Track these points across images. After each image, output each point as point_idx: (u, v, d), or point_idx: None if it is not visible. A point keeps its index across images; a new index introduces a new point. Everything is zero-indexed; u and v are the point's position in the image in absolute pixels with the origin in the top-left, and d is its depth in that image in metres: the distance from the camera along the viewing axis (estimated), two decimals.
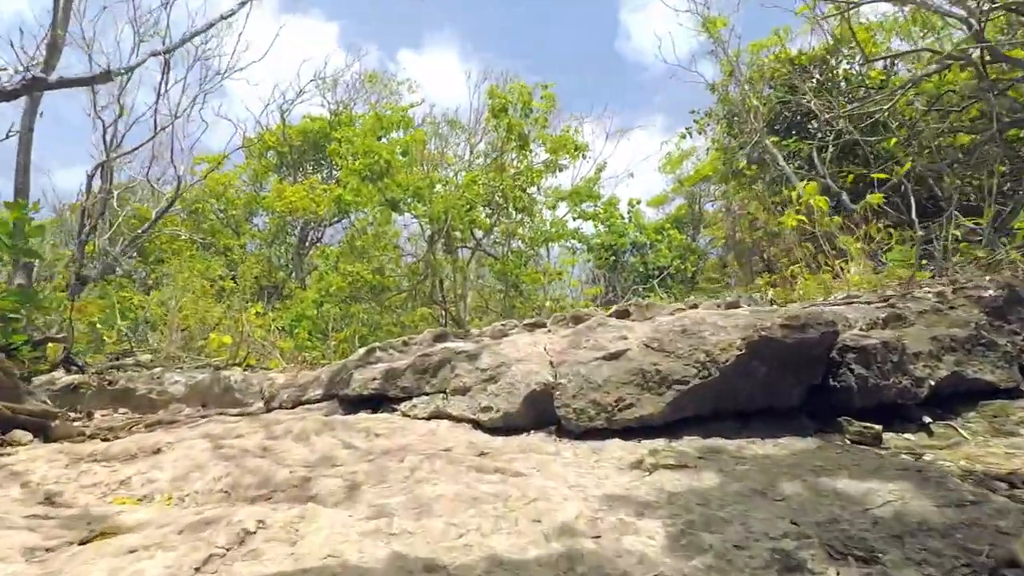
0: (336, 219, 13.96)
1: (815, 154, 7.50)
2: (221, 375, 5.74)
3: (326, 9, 41.97)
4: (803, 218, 4.86)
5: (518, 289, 11.07)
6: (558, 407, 2.47)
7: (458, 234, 11.42)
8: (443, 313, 11.11)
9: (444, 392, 3.09)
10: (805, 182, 7.65)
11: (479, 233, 11.72)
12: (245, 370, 7.28)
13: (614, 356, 2.57)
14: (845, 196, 7.03)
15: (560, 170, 11.13)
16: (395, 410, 3.24)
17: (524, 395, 2.58)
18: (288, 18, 30.29)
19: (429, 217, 8.53)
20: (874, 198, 4.64)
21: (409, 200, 8.03)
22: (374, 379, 3.48)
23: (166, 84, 7.01)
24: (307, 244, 14.37)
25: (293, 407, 4.21)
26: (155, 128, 7.47)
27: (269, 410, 4.27)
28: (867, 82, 7.52)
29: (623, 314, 3.32)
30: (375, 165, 7.33)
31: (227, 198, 13.60)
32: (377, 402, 3.43)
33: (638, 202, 17.69)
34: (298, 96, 13.54)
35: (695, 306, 3.32)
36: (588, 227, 16.84)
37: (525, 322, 3.77)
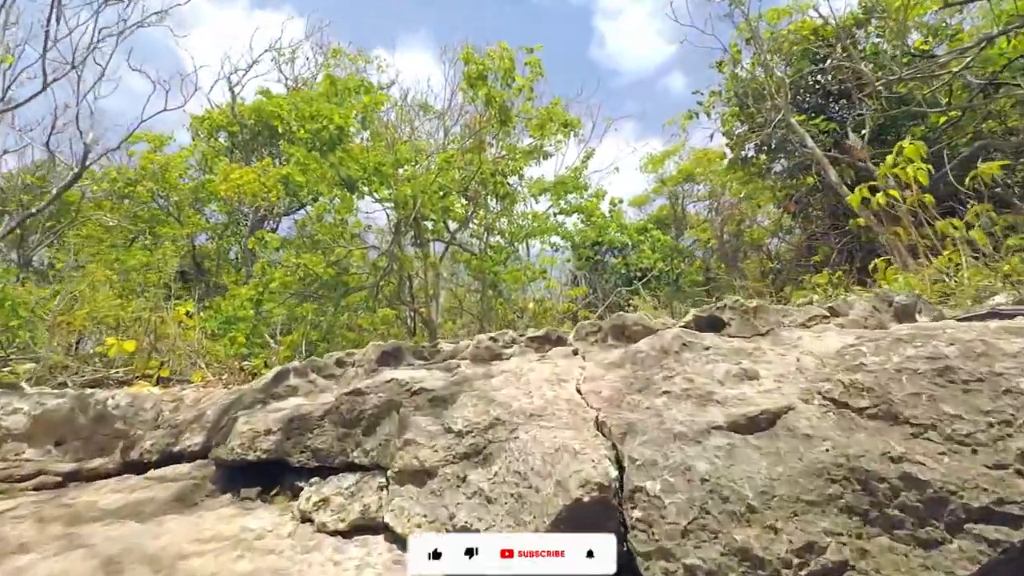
0: (296, 208, 12.28)
1: (851, 134, 6.25)
2: (93, 399, 4.10)
3: (297, 5, 40.00)
4: (894, 193, 3.53)
5: (496, 289, 9.61)
6: (646, 558, 1.03)
7: (430, 225, 9.92)
8: (411, 315, 9.60)
9: (385, 470, 1.63)
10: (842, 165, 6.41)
11: (453, 225, 10.24)
12: (157, 384, 5.65)
13: (758, 423, 1.14)
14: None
15: (545, 157, 9.73)
16: (293, 500, 1.76)
17: (555, 513, 1.14)
18: (258, 13, 28.26)
19: (394, 202, 7.01)
20: (990, 168, 3.35)
21: (370, 180, 6.52)
22: (269, 433, 1.99)
23: (57, 21, 5.37)
24: None
25: (158, 462, 2.68)
26: (45, 79, 5.81)
27: (121, 467, 2.74)
28: (912, 51, 6.34)
29: (713, 324, 1.90)
30: (324, 132, 5.81)
31: (168, 181, 11.76)
32: (273, 473, 1.94)
33: (620, 201, 16.34)
34: (250, 68, 11.80)
35: (831, 311, 1.92)
36: (572, 223, 15.58)
37: (530, 334, 2.32)
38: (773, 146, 7.92)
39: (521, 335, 2.32)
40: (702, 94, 8.59)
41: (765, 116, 7.02)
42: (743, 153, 7.77)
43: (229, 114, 11.83)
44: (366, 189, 6.71)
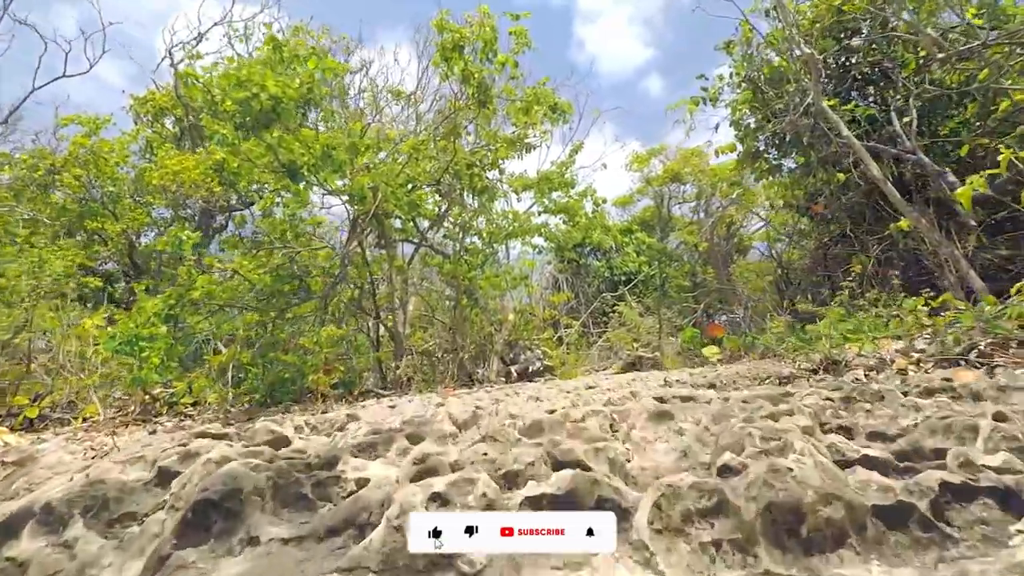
0: (250, 202, 10.82)
1: (895, 120, 5.15)
2: None
3: None
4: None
5: (472, 297, 8.34)
6: None
7: (398, 223, 8.60)
8: (374, 326, 8.27)
9: None
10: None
11: (425, 224, 8.94)
12: (20, 430, 4.25)
13: None
14: (950, 175, 4.70)
15: (528, 150, 8.49)
16: None
17: None
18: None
19: (350, 196, 5.69)
20: None
21: (318, 168, 5.18)
22: None
23: None
24: (210, 233, 11.14)
25: None
26: None
27: None
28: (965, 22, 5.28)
29: None
30: (255, 104, 4.47)
31: (102, 170, 10.18)
32: None
33: (603, 201, 15.09)
34: (197, 42, 10.27)
35: None
36: (556, 224, 14.43)
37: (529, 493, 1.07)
38: (787, 139, 6.81)
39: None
40: (706, 79, 7.46)
41: (788, 100, 5.90)
42: (756, 146, 6.64)
43: (173, 95, 10.30)
44: (314, 179, 5.37)
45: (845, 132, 5.39)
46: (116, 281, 11.09)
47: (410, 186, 6.93)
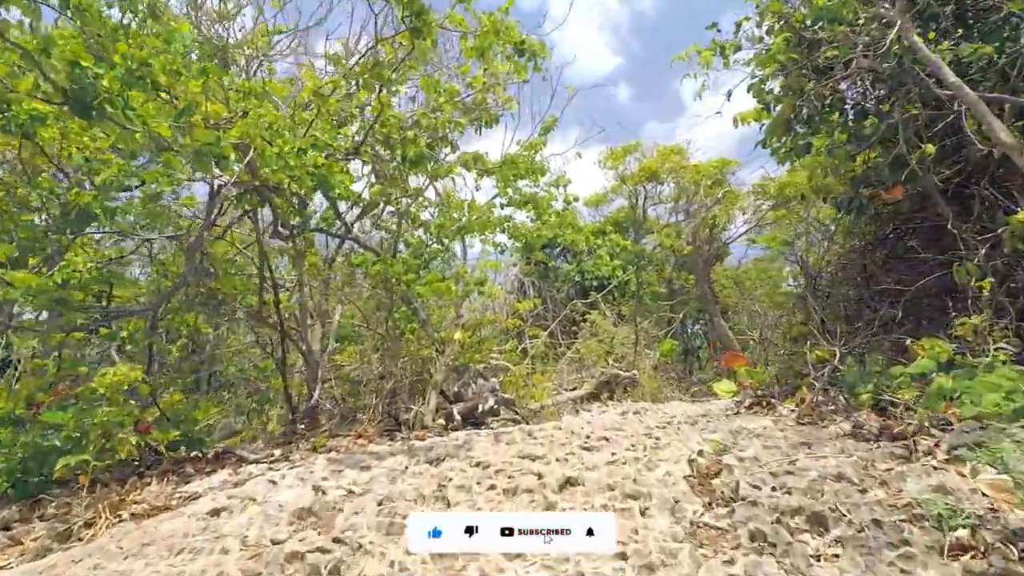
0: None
1: None
2: None
3: None
4: None
5: (411, 305, 6.18)
6: None
7: (316, 203, 6.36)
8: (278, 346, 6.05)
9: None
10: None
11: (355, 211, 6.73)
12: None
13: None
14: None
15: (488, 122, 6.38)
16: None
17: None
18: None
19: (196, 153, 3.45)
20: None
21: (122, 93, 2.99)
22: None
23: None
24: None
25: None
26: None
27: None
28: None
29: None
30: None
31: None
32: None
33: (575, 199, 12.91)
34: None
35: None
36: (523, 219, 12.34)
37: None
38: (825, 106, 4.92)
39: None
40: (719, 30, 5.49)
41: (861, 33, 3.95)
42: (800, 108, 4.70)
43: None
44: (123, 113, 3.13)
45: (952, 78, 3.50)
46: None
47: (324, 155, 4.71)
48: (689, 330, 16.97)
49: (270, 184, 4.43)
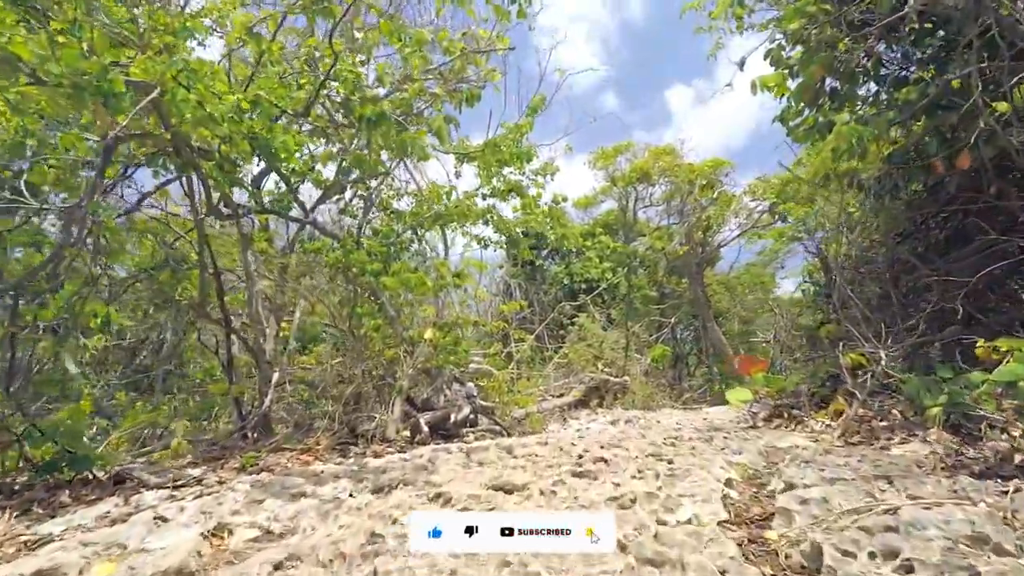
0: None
1: None
2: None
3: None
4: None
5: (378, 300, 5.35)
6: None
7: (268, 184, 5.52)
8: (224, 343, 5.22)
9: None
10: None
11: (309, 193, 5.90)
12: None
13: None
14: None
15: (471, 101, 5.60)
16: None
17: None
18: None
19: (74, 86, 2.62)
20: None
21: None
22: None
23: None
24: None
25: None
26: None
27: None
28: None
29: None
30: None
31: None
32: None
33: (564, 199, 12.11)
34: None
35: None
36: (508, 211, 11.57)
37: None
38: (862, 70, 4.24)
39: None
40: None
41: None
42: (830, 74, 3.98)
43: None
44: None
45: None
46: None
47: (273, 119, 3.88)
48: (678, 335, 16.28)
49: (191, 143, 3.59)
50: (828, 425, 3.43)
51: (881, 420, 3.11)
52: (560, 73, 7.99)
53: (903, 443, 2.65)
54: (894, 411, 3.11)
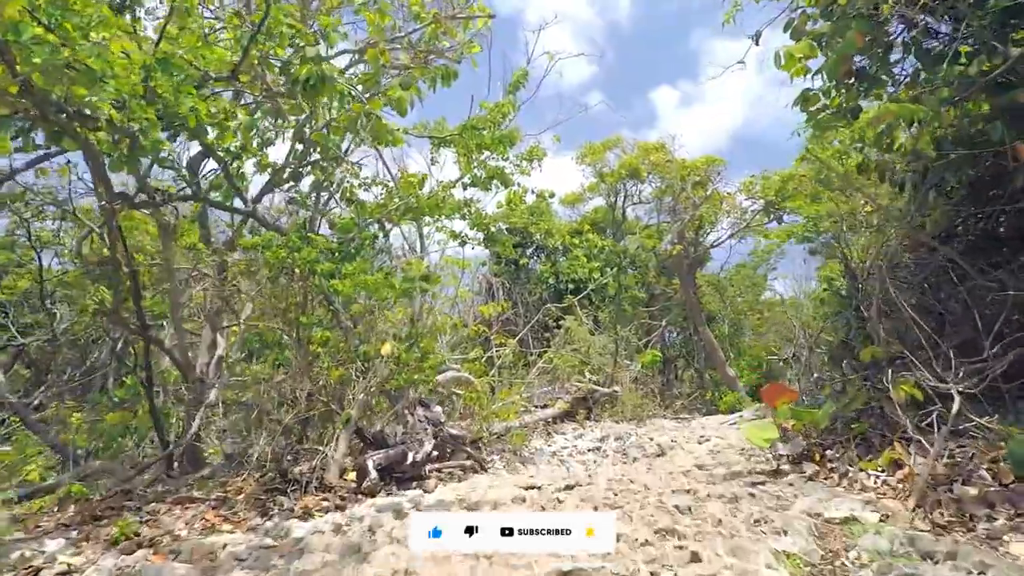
0: None
1: None
2: None
3: None
4: None
5: (331, 306, 4.49)
6: None
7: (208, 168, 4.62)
8: (142, 358, 4.35)
9: None
10: None
11: (255, 180, 5.01)
12: None
13: None
14: None
15: (446, 78, 4.74)
16: None
17: None
18: None
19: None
20: None
21: None
22: None
23: None
24: None
25: None
26: None
27: None
28: None
29: None
30: None
31: None
32: None
33: (551, 195, 11.23)
34: None
35: None
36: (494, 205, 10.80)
37: None
38: (911, 43, 3.52)
39: None
40: None
41: None
42: (876, 36, 3.22)
43: None
44: None
45: None
46: None
47: (193, 83, 2.99)
48: (667, 339, 15.61)
49: (65, 105, 2.70)
50: (884, 482, 2.66)
51: (963, 481, 2.34)
52: (549, 56, 7.14)
53: (1017, 530, 1.88)
54: (982, 470, 2.35)
